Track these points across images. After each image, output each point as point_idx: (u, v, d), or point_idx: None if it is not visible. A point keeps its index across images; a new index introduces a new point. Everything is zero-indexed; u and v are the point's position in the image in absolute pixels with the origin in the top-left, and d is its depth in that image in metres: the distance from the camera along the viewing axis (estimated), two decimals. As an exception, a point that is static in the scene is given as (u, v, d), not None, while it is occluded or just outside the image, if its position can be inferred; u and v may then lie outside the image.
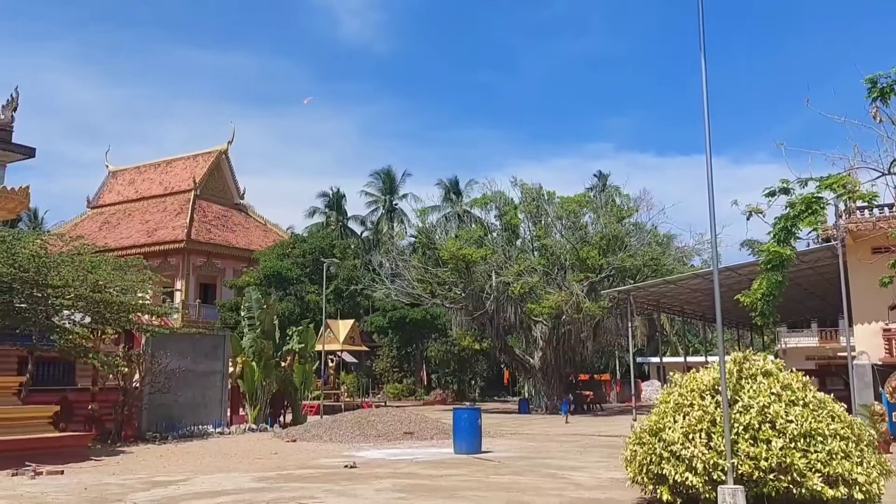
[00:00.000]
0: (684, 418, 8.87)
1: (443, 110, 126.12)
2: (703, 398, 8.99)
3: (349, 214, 65.66)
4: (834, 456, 8.20)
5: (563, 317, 32.03)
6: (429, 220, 40.73)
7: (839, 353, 28.38)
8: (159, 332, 21.61)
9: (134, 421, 20.83)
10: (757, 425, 8.47)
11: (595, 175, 57.66)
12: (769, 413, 8.53)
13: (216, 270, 44.17)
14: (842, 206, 19.47)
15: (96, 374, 20.17)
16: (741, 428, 8.50)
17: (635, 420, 23.79)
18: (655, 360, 57.58)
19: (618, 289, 26.08)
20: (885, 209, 19.80)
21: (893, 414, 16.25)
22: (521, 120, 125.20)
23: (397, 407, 34.72)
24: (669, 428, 8.89)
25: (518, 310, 33.85)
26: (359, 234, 63.87)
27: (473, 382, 50.22)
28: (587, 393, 38.27)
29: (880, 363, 19.78)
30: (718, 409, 8.71)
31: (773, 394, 8.75)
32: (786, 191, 11.88)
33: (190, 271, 42.74)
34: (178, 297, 41.68)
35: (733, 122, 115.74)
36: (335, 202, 64.46)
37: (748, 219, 12.19)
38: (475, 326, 36.45)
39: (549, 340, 34.44)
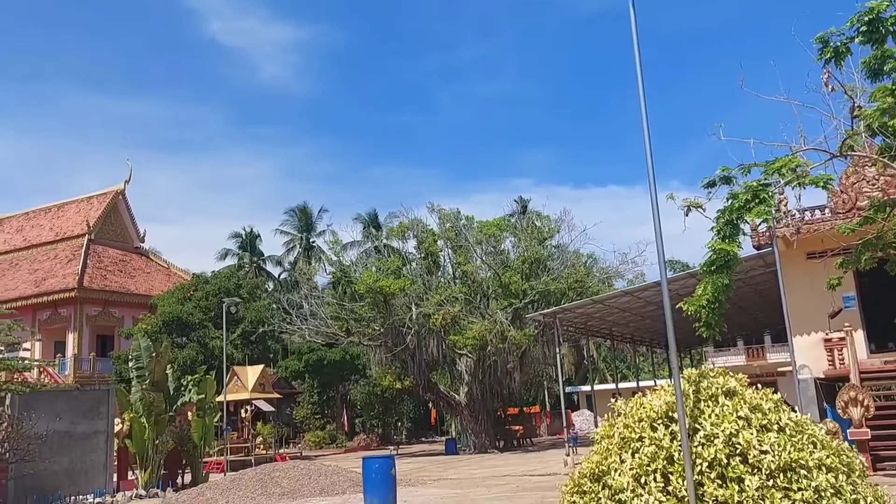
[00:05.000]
0: (633, 457, 6.98)
1: (363, 151, 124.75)
2: (654, 429, 7.12)
3: (266, 255, 62.73)
4: (822, 493, 6.43)
5: (489, 348, 30.20)
6: (348, 257, 38.50)
7: (779, 369, 27.36)
8: (18, 390, 18.64)
9: (-2, 496, 17.85)
10: (725, 459, 6.64)
11: (515, 201, 56.40)
12: (739, 443, 6.72)
13: (114, 320, 40.61)
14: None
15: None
16: (705, 464, 6.66)
17: (568, 455, 21.98)
18: (585, 388, 56.35)
19: (543, 311, 24.50)
20: (817, 211, 18.77)
21: (847, 431, 14.85)
22: (441, 159, 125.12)
23: (316, 457, 32.07)
24: (616, 470, 6.98)
25: (441, 343, 31.83)
26: (276, 275, 60.90)
27: (399, 424, 47.68)
28: (517, 428, 36.41)
29: (823, 376, 18.55)
30: (675, 442, 6.87)
31: (740, 418, 6.95)
32: (727, 180, 10.35)
33: (83, 322, 39.10)
34: (69, 350, 38.01)
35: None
36: (249, 242, 61.37)
37: (686, 214, 10.60)
38: (397, 364, 34.19)
39: (475, 374, 32.49)
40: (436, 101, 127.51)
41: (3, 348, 20.09)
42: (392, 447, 37.11)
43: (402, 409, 46.20)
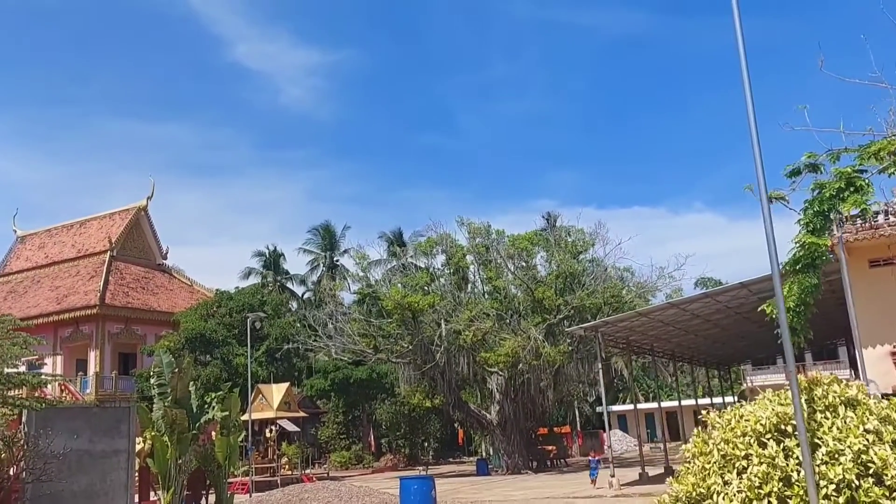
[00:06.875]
0: (740, 477, 5.91)
1: (388, 172, 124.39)
2: (763, 445, 6.05)
3: (289, 274, 61.97)
4: (978, 521, 5.33)
5: (521, 365, 29.07)
6: (373, 276, 37.63)
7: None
8: (34, 406, 17.76)
9: (13, 518, 16.94)
10: (855, 481, 5.57)
11: (543, 217, 55.02)
12: (870, 461, 5.64)
13: (136, 337, 39.88)
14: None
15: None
16: (831, 487, 5.59)
17: (613, 476, 20.76)
18: (616, 408, 54.80)
19: (584, 325, 23.31)
20: (880, 216, 17.59)
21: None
22: (466, 179, 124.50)
23: (343, 477, 30.94)
24: (719, 493, 5.92)
25: (471, 360, 30.75)
26: (299, 294, 60.04)
27: (427, 444, 46.44)
28: (550, 448, 35.13)
29: (890, 391, 17.21)
30: (791, 460, 5.80)
31: (868, 431, 5.87)
32: (814, 167, 9.32)
33: (105, 339, 38.39)
34: (91, 368, 37.32)
35: (669, 173, 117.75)
36: (272, 261, 60.68)
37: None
38: (425, 382, 33.11)
39: (507, 392, 31.34)
40: (460, 121, 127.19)
41: (22, 364, 19.28)
42: (420, 468, 35.97)
43: (428, 428, 45.02)
